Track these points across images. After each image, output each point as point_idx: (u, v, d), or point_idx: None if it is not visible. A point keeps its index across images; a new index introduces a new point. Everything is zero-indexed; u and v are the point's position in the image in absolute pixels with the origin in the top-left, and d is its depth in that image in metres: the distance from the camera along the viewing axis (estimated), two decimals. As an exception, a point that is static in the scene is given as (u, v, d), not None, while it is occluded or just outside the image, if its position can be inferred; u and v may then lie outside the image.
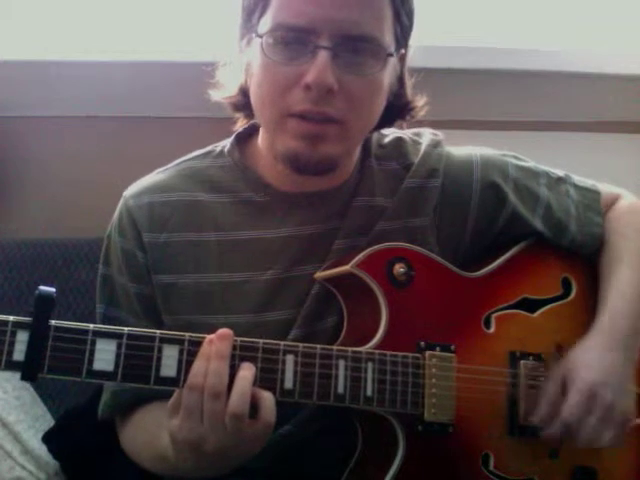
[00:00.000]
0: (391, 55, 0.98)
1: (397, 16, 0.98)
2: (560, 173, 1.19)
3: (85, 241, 1.60)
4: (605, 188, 1.22)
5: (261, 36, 0.96)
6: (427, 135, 1.16)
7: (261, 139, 1.08)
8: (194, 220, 1.07)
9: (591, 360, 1.02)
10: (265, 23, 0.96)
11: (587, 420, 0.98)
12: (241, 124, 1.11)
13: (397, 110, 1.08)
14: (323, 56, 0.92)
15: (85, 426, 1.29)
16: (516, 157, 1.18)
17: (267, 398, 0.87)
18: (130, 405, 1.06)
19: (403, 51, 1.03)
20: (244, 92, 1.04)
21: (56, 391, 1.47)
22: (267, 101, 0.98)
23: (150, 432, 1.00)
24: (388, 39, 0.97)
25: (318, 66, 0.92)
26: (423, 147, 1.13)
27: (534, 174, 1.16)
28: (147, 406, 1.04)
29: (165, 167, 1.13)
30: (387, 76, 0.99)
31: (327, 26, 0.92)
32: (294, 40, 0.94)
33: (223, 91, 1.07)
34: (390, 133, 1.15)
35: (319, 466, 1.02)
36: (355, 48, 0.94)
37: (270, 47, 0.95)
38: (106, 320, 1.07)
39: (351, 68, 0.95)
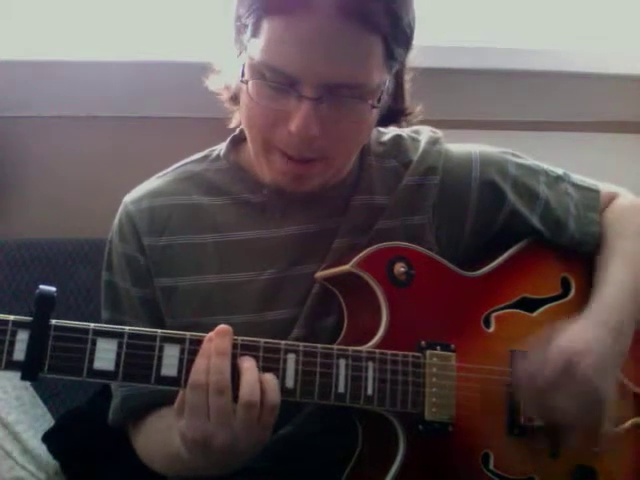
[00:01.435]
0: (381, 92, 0.96)
1: (389, 51, 0.94)
2: (559, 171, 1.19)
3: (85, 241, 1.61)
4: (604, 187, 1.21)
5: (249, 67, 0.94)
6: (426, 132, 1.15)
7: None
8: (193, 223, 1.08)
9: (578, 334, 1.00)
10: (254, 50, 0.93)
11: (562, 388, 0.96)
12: (237, 119, 1.10)
13: (391, 116, 1.07)
14: (306, 106, 0.91)
15: (85, 426, 1.29)
16: (515, 155, 1.17)
17: (270, 380, 0.87)
18: (141, 411, 1.07)
19: (402, 60, 1.00)
20: (236, 95, 1.03)
21: (56, 391, 1.48)
22: (254, 131, 0.99)
23: (163, 435, 1.00)
24: (378, 78, 0.95)
25: (301, 117, 0.91)
26: (422, 144, 1.13)
27: (533, 172, 1.16)
28: (158, 412, 1.05)
29: (163, 172, 1.14)
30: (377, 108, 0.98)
31: (313, 77, 0.91)
32: (281, 82, 0.92)
33: (219, 84, 1.06)
34: (389, 130, 1.15)
35: (320, 465, 1.02)
36: (341, 95, 0.93)
37: (257, 84, 0.94)
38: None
39: (337, 113, 0.93)
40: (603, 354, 1.00)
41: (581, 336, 1.00)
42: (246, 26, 0.94)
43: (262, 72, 0.93)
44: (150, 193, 1.10)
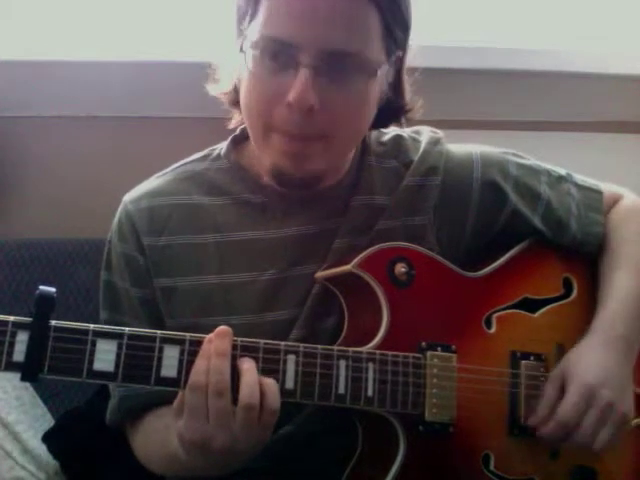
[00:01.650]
0: (378, 68, 0.96)
1: (387, 27, 0.95)
2: (562, 172, 1.19)
3: (85, 241, 1.61)
4: (607, 187, 1.21)
5: (249, 46, 0.95)
6: (427, 133, 1.15)
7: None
8: (193, 223, 1.07)
9: (590, 359, 1.02)
10: (253, 31, 0.94)
11: (584, 420, 0.98)
12: (237, 120, 1.11)
13: (392, 113, 1.07)
14: (304, 74, 0.91)
15: (85, 426, 1.29)
16: (516, 155, 1.17)
17: (271, 384, 0.87)
18: (139, 411, 1.06)
19: (400, 53, 1.01)
20: (238, 91, 1.03)
21: (56, 391, 1.48)
22: (253, 113, 0.98)
23: (161, 435, 1.00)
24: (376, 52, 0.95)
25: (299, 85, 0.91)
26: (423, 145, 1.12)
27: (535, 172, 1.16)
28: (156, 411, 1.04)
29: (163, 172, 1.14)
30: (376, 86, 0.98)
31: (310, 42, 0.91)
32: (279, 53, 0.93)
33: (220, 86, 1.06)
34: (389, 131, 1.15)
35: (320, 465, 1.02)
36: (339, 64, 0.93)
37: (257, 59, 0.94)
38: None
39: (335, 84, 0.93)
40: (618, 374, 1.01)
41: (594, 361, 1.01)
42: (246, 13, 0.96)
43: (261, 48, 0.93)
44: (150, 193, 1.10)
